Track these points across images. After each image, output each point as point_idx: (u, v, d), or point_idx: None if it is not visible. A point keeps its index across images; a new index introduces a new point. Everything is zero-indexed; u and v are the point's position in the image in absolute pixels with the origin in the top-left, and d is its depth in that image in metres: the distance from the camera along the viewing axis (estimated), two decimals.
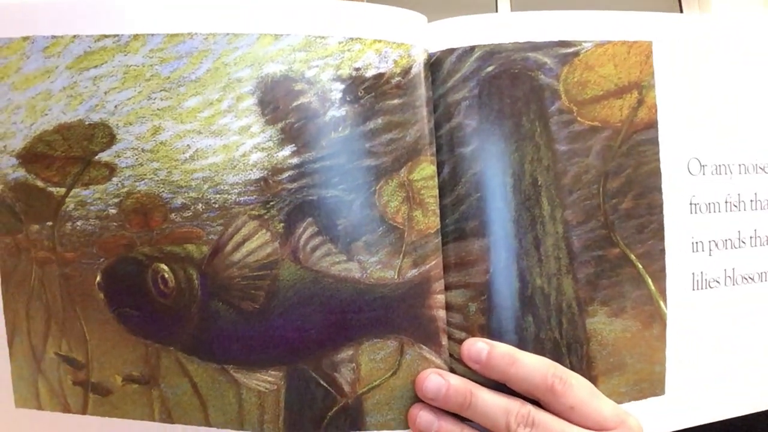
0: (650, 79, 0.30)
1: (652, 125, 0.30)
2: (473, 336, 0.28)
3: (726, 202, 0.32)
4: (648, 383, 0.30)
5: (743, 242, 0.33)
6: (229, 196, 0.27)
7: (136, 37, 0.27)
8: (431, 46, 0.29)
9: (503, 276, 0.28)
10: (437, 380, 0.27)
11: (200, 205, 0.27)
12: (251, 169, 0.27)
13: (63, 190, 0.28)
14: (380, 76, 0.27)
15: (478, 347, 0.27)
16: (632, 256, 0.30)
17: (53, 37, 0.27)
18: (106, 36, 0.27)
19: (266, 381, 0.27)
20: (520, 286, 0.29)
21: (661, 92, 0.30)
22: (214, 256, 0.27)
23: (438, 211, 0.28)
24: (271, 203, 0.27)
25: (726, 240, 0.32)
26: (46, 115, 0.27)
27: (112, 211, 0.27)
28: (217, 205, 0.27)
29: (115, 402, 0.29)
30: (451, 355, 0.28)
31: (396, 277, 0.28)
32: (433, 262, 0.28)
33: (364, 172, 0.27)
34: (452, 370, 0.28)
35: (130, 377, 0.28)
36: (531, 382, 0.27)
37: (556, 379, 0.27)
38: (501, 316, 0.28)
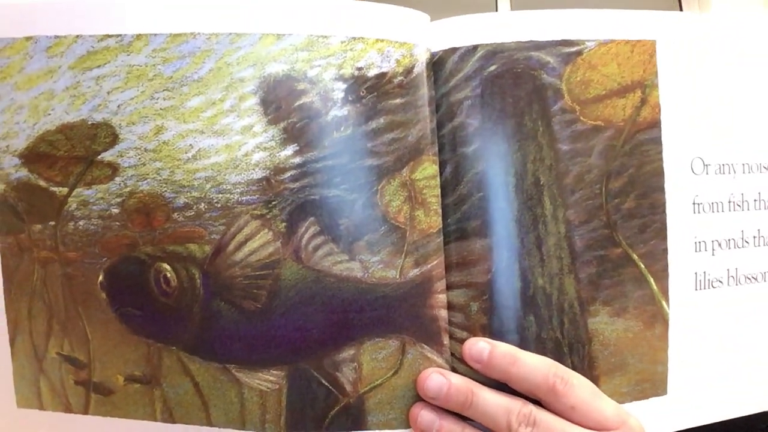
0: (653, 79, 0.31)
1: (655, 124, 0.31)
2: (475, 335, 0.29)
3: (729, 201, 0.33)
4: (650, 383, 0.31)
5: (746, 242, 0.33)
6: (232, 196, 0.27)
7: (138, 37, 0.27)
8: (434, 45, 0.29)
9: (505, 276, 0.29)
10: (439, 379, 0.28)
11: (202, 204, 0.28)
12: (253, 169, 0.27)
13: (65, 190, 0.28)
14: (382, 75, 0.28)
15: (479, 347, 0.28)
16: (634, 256, 0.30)
17: (56, 37, 0.28)
18: (109, 36, 0.27)
19: (268, 380, 0.28)
20: (521, 285, 0.29)
21: (665, 91, 0.31)
22: (216, 256, 0.28)
23: (440, 210, 0.29)
24: (274, 203, 0.27)
25: (729, 240, 0.33)
26: (49, 114, 0.28)
27: (115, 210, 0.28)
28: (219, 205, 0.27)
29: (116, 402, 0.29)
30: (452, 355, 0.29)
31: (398, 276, 0.28)
32: (435, 262, 0.29)
33: (366, 171, 0.28)
34: (454, 370, 0.29)
35: (131, 377, 0.29)
36: (532, 381, 0.27)
37: (557, 379, 0.27)
38: (503, 315, 0.29)
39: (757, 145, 0.33)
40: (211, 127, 0.27)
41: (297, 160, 0.27)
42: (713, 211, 0.32)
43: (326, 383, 0.28)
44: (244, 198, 0.27)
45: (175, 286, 0.28)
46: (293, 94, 0.27)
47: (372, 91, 0.28)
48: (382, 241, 0.28)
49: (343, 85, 0.28)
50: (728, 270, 0.33)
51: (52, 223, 0.29)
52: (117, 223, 0.28)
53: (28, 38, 0.28)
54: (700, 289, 0.32)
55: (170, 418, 0.29)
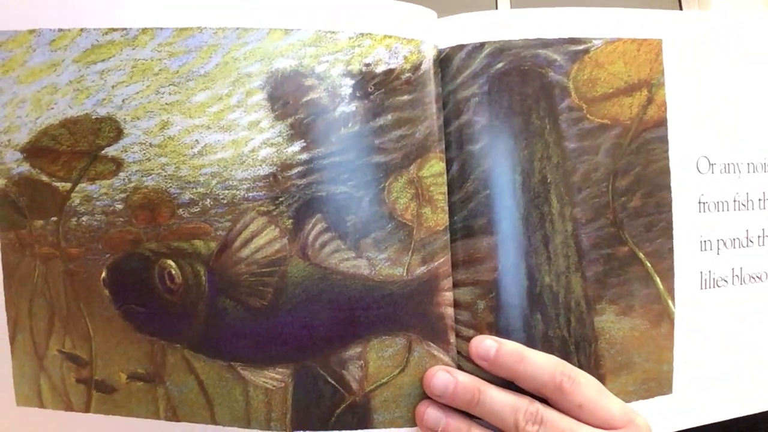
0: (660, 77, 0.31)
1: (662, 123, 0.32)
2: (481, 333, 0.29)
3: (734, 201, 0.34)
4: (656, 382, 0.31)
5: (751, 241, 0.34)
6: (238, 192, 0.28)
7: (144, 30, 0.28)
8: (441, 42, 0.30)
9: (511, 274, 0.30)
10: (445, 377, 0.28)
11: (208, 200, 0.28)
12: (260, 165, 0.28)
13: (68, 185, 0.29)
14: (390, 71, 0.29)
15: (486, 345, 0.29)
16: (641, 255, 0.31)
17: (60, 30, 0.28)
18: (114, 29, 0.28)
19: (274, 378, 0.28)
20: (528, 283, 0.30)
21: (671, 90, 0.32)
22: (221, 253, 0.28)
23: (447, 208, 0.30)
24: (280, 199, 0.28)
25: (734, 239, 0.33)
26: (52, 108, 0.28)
27: (119, 206, 0.28)
28: (225, 201, 0.28)
29: (119, 400, 0.30)
30: (459, 353, 0.30)
31: (405, 274, 0.29)
32: (442, 260, 0.29)
33: (374, 168, 0.28)
34: (460, 368, 0.29)
35: (134, 375, 0.29)
36: (539, 379, 0.28)
37: (564, 377, 0.28)
38: (509, 313, 0.30)
39: (763, 144, 0.34)
40: (218, 122, 0.28)
41: (304, 156, 0.28)
42: (718, 211, 0.33)
43: (332, 381, 0.29)
44: (250, 194, 0.28)
45: (180, 283, 0.28)
46: (301, 90, 0.28)
47: (380, 88, 0.28)
48: (389, 239, 0.29)
49: (350, 81, 0.28)
50: (733, 269, 0.33)
51: (55, 218, 0.29)
52: (121, 219, 0.28)
53: (31, 31, 0.28)
54: (706, 288, 0.33)
55: (174, 416, 0.29)
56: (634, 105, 0.31)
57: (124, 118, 0.28)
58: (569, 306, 0.30)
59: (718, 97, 0.33)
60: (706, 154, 0.33)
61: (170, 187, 0.28)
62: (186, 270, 0.28)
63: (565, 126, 0.30)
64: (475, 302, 0.30)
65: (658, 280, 0.31)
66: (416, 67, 0.29)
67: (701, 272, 0.33)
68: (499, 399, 0.28)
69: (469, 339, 0.29)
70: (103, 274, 0.29)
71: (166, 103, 0.28)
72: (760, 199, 0.34)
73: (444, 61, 0.30)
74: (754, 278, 0.34)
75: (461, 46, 0.30)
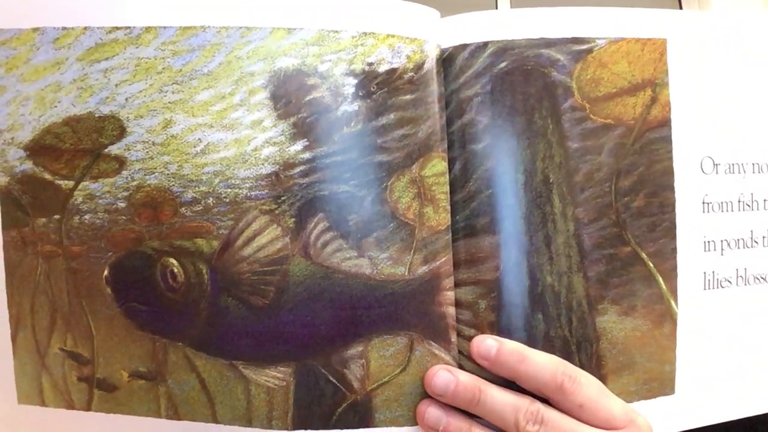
0: (664, 77, 0.32)
1: (666, 123, 0.32)
2: (483, 333, 0.30)
3: (739, 201, 0.34)
4: (658, 382, 0.32)
5: (756, 242, 0.34)
6: (240, 191, 0.29)
7: (148, 29, 0.28)
8: (444, 41, 0.30)
9: (513, 273, 0.30)
10: (446, 376, 0.29)
11: (211, 199, 0.29)
12: (263, 164, 0.28)
13: (71, 183, 0.29)
14: (393, 71, 0.29)
15: (487, 344, 0.29)
16: (643, 255, 0.32)
17: (64, 28, 0.29)
18: (117, 28, 0.28)
19: (275, 377, 0.29)
20: (530, 283, 0.30)
21: (675, 90, 0.32)
22: (224, 251, 0.29)
23: (449, 207, 0.30)
24: (283, 198, 0.29)
25: (738, 239, 0.34)
26: (56, 107, 0.29)
27: (121, 204, 0.29)
28: (227, 200, 0.29)
29: (120, 398, 0.30)
30: (460, 352, 0.30)
31: (406, 273, 0.29)
32: (444, 259, 0.30)
33: (376, 167, 0.29)
34: (461, 367, 0.30)
35: (136, 373, 0.30)
36: (540, 379, 0.29)
37: (565, 377, 0.29)
38: (511, 313, 0.30)
39: (767, 145, 0.35)
40: (221, 121, 0.28)
41: (306, 155, 0.29)
42: (722, 211, 0.34)
43: (334, 380, 0.29)
44: (252, 193, 0.29)
45: (182, 282, 0.29)
46: (303, 89, 0.29)
47: (382, 87, 0.29)
48: (391, 238, 0.29)
49: (353, 81, 0.29)
50: (737, 270, 0.34)
51: (57, 216, 0.30)
52: (123, 217, 0.29)
53: (35, 29, 0.29)
54: (709, 288, 0.33)
55: (175, 414, 0.30)
56: (638, 105, 0.32)
57: (128, 117, 0.29)
58: (571, 306, 0.31)
59: (721, 97, 0.33)
60: (711, 154, 0.33)
61: (173, 185, 0.29)
62: (188, 268, 0.29)
63: (567, 126, 0.31)
64: (477, 302, 0.30)
65: (660, 280, 0.32)
66: (419, 67, 0.30)
67: (705, 273, 0.33)
68: (499, 398, 0.29)
69: (470, 338, 0.30)
70: (106, 273, 0.29)
71: (169, 102, 0.29)
72: (765, 200, 0.35)
73: (447, 60, 0.31)
74: (758, 279, 0.35)
75: (464, 46, 0.30)
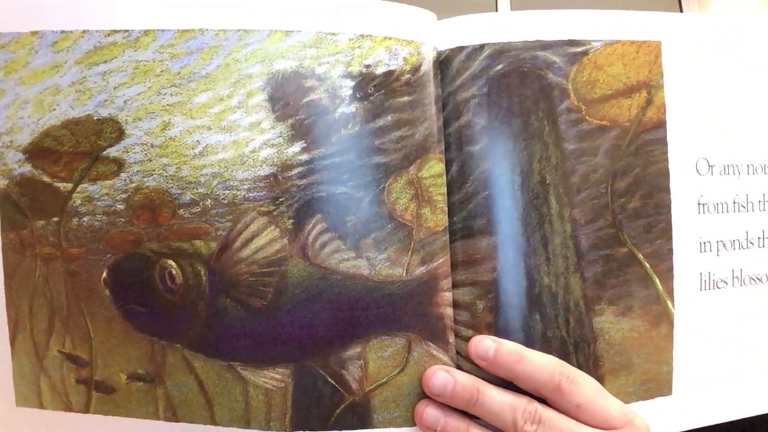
0: (659, 79, 0.33)
1: (661, 125, 0.33)
2: (480, 334, 0.30)
3: (734, 202, 0.35)
4: (655, 383, 0.33)
5: (751, 243, 0.35)
6: (239, 192, 0.29)
7: (146, 32, 0.29)
8: (440, 43, 0.31)
9: (511, 274, 0.31)
10: (444, 376, 0.29)
11: (209, 201, 0.29)
12: (261, 165, 0.29)
13: (70, 186, 0.30)
14: (390, 73, 0.30)
15: (485, 344, 0.30)
16: (640, 256, 0.32)
17: (62, 32, 0.29)
18: (116, 31, 0.29)
19: (274, 378, 0.30)
20: (527, 284, 0.31)
21: (670, 92, 0.33)
22: (222, 253, 0.29)
23: (446, 208, 0.31)
24: (281, 199, 0.29)
25: (734, 240, 0.35)
26: (54, 110, 0.30)
27: (120, 206, 0.30)
28: (226, 201, 0.29)
29: (118, 400, 0.31)
30: (458, 353, 0.31)
31: (404, 274, 0.30)
32: (441, 260, 0.31)
33: (374, 169, 0.30)
34: (459, 368, 0.31)
35: (135, 375, 0.30)
36: (538, 380, 0.29)
37: (562, 378, 0.29)
38: (508, 314, 0.31)
39: (763, 146, 0.35)
40: (219, 123, 0.29)
41: (304, 157, 0.29)
42: (718, 212, 0.34)
43: (332, 381, 0.30)
44: (251, 195, 0.29)
45: (181, 283, 0.29)
46: (301, 91, 0.29)
47: (379, 89, 0.30)
48: (388, 239, 0.30)
49: (351, 83, 0.29)
50: (733, 271, 0.35)
51: (56, 219, 0.30)
52: (122, 219, 0.30)
53: (33, 33, 0.29)
54: (705, 289, 0.34)
55: (173, 416, 0.30)
56: (633, 107, 0.32)
57: (126, 119, 0.29)
58: (568, 306, 0.31)
59: (717, 98, 0.34)
60: (706, 155, 0.34)
61: (171, 187, 0.29)
62: (186, 270, 0.29)
63: (564, 127, 0.31)
64: (474, 302, 0.31)
65: (657, 281, 0.33)
66: (416, 69, 0.30)
67: (701, 273, 0.34)
68: (497, 398, 0.29)
69: (468, 339, 0.30)
70: (104, 275, 0.30)
71: (168, 104, 0.29)
72: (760, 201, 0.35)
73: (444, 62, 0.31)
74: (754, 280, 0.35)
75: (461, 48, 0.31)
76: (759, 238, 0.35)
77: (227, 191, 0.29)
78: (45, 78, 0.29)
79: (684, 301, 0.33)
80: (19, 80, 0.30)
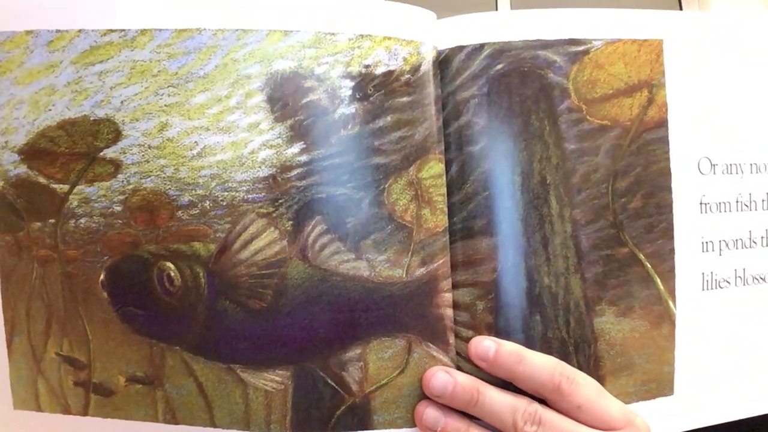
0: (661, 78, 0.33)
1: (663, 124, 0.33)
2: (480, 334, 0.31)
3: (737, 201, 0.35)
4: (656, 383, 0.33)
5: (754, 242, 0.35)
6: (237, 194, 0.29)
7: (143, 32, 0.29)
8: (440, 43, 0.31)
9: (511, 275, 0.31)
10: (444, 377, 0.30)
11: (207, 202, 0.29)
12: (260, 167, 0.29)
13: (66, 187, 0.30)
14: (390, 73, 0.30)
15: (485, 345, 0.30)
16: (641, 256, 0.33)
17: (58, 31, 0.29)
18: (112, 31, 0.29)
19: (273, 380, 0.30)
20: (527, 285, 0.31)
21: (672, 91, 0.33)
22: (221, 255, 0.30)
23: (446, 209, 0.31)
24: (280, 201, 0.29)
25: (737, 240, 0.35)
26: (50, 110, 0.30)
27: (117, 208, 0.30)
28: (224, 203, 0.29)
29: (117, 403, 0.31)
30: (458, 354, 0.31)
31: (404, 275, 0.30)
32: (441, 261, 0.31)
33: (373, 170, 0.30)
34: (459, 369, 0.31)
35: (133, 377, 0.31)
36: (538, 380, 0.30)
37: (563, 378, 0.29)
38: (508, 314, 0.31)
39: (765, 144, 0.36)
40: (217, 124, 0.29)
41: (304, 158, 0.29)
42: (720, 211, 0.35)
43: (332, 383, 0.30)
44: (250, 196, 0.29)
45: (179, 286, 0.30)
46: (300, 92, 0.29)
47: (379, 89, 0.30)
48: (388, 240, 0.30)
49: (350, 83, 0.30)
50: (735, 270, 0.35)
51: (53, 221, 0.30)
52: (119, 221, 0.30)
53: (28, 32, 0.30)
54: (707, 289, 0.34)
55: (173, 419, 0.31)
56: (635, 106, 0.33)
57: (123, 120, 0.29)
58: (568, 307, 0.32)
59: (718, 97, 0.34)
60: (708, 154, 0.34)
61: (169, 188, 0.29)
62: (185, 272, 0.30)
63: (564, 127, 0.32)
64: (475, 303, 0.31)
65: (658, 281, 0.33)
66: (416, 69, 0.30)
67: (703, 273, 0.34)
68: (498, 399, 0.29)
69: (468, 340, 0.31)
70: (102, 277, 0.30)
71: (165, 105, 0.29)
72: (763, 200, 0.36)
73: (443, 62, 0.31)
74: (757, 279, 0.36)
75: (461, 48, 0.31)
76: (762, 238, 0.36)
77: (226, 193, 0.29)
78: (40, 78, 0.30)
79: (686, 301, 0.33)
80: (14, 80, 0.30)
